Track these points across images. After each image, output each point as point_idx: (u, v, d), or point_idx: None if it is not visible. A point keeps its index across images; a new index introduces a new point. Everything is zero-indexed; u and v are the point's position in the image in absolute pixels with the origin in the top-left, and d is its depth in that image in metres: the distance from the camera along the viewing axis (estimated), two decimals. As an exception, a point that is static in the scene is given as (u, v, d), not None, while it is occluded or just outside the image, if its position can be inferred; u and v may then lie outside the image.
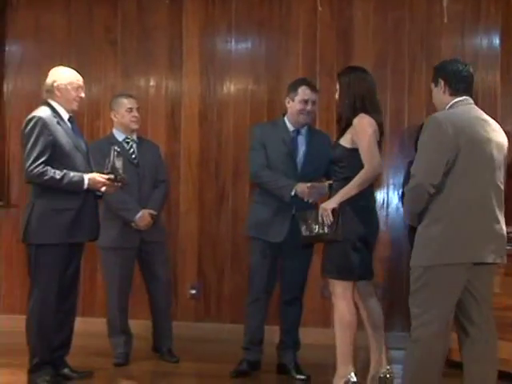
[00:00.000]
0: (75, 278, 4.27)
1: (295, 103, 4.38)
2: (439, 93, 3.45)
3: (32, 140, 4.00)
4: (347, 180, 3.88)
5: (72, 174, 4.03)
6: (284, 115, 4.51)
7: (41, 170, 3.96)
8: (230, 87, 5.70)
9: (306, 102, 4.35)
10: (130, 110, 4.71)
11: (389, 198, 5.47)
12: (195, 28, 5.76)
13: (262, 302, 4.47)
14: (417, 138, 4.96)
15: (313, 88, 4.41)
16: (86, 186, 4.06)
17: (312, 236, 3.96)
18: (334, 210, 3.83)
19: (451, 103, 3.39)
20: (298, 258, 4.39)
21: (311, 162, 4.37)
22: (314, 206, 4.06)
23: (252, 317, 4.48)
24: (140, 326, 4.94)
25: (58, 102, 4.16)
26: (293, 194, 4.25)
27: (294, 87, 4.42)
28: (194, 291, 5.55)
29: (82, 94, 4.25)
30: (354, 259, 3.88)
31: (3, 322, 5.78)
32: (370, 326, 4.07)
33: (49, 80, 4.21)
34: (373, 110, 3.93)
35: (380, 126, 3.95)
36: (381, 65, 5.48)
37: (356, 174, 3.84)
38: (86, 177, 4.07)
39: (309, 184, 4.20)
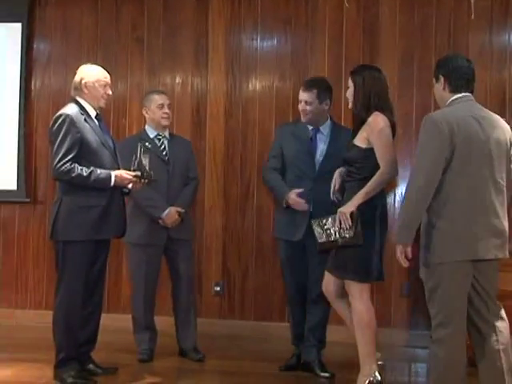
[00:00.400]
0: (101, 275, 4.29)
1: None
2: (440, 89, 3.44)
3: (60, 137, 4.02)
4: (365, 180, 3.83)
5: (99, 171, 4.05)
6: None
7: (68, 167, 3.99)
8: (256, 84, 5.70)
9: (300, 101, 4.42)
10: (161, 106, 4.71)
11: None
12: (221, 25, 5.77)
13: (296, 300, 4.52)
14: None
15: (306, 88, 4.40)
16: (112, 183, 4.07)
17: (330, 241, 3.90)
18: (352, 214, 3.78)
19: (451, 100, 3.38)
20: (316, 258, 4.35)
21: (330, 160, 4.34)
22: (332, 212, 3.95)
23: (291, 315, 4.60)
24: (166, 322, 4.94)
25: (86, 100, 4.18)
26: (285, 206, 4.33)
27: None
28: (218, 288, 5.57)
29: (110, 92, 4.27)
30: (372, 261, 3.85)
31: (30, 316, 5.86)
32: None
33: (77, 78, 4.23)
34: (386, 108, 3.90)
35: (393, 126, 3.91)
36: (407, 62, 5.44)
37: (373, 174, 3.80)
38: (113, 174, 4.08)
39: (296, 191, 4.27)
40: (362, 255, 3.83)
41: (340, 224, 3.81)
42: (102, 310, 4.36)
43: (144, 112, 4.81)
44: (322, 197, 4.15)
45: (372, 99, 3.87)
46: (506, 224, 3.33)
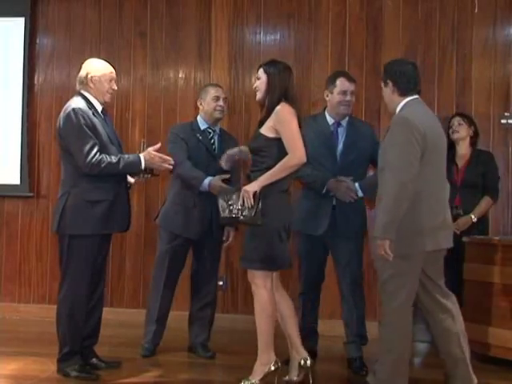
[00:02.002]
0: (103, 268, 4.30)
1: (334, 95, 4.37)
2: (389, 93, 3.62)
3: (79, 131, 3.99)
4: (268, 170, 3.86)
5: (126, 155, 4.07)
6: (325, 109, 4.49)
7: (98, 158, 3.97)
8: (259, 79, 5.68)
9: (344, 92, 4.33)
10: (217, 98, 4.68)
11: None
12: (224, 20, 5.77)
13: (310, 294, 4.56)
14: (447, 130, 4.95)
15: (350, 79, 4.39)
16: (143, 164, 4.07)
17: (231, 217, 3.92)
18: (254, 194, 3.81)
19: (404, 102, 3.56)
20: (343, 249, 4.37)
21: (351, 153, 4.36)
22: (238, 188, 3.98)
23: (303, 308, 4.57)
24: (181, 316, 4.93)
25: (92, 94, 4.17)
26: (324, 191, 4.30)
27: (332, 80, 4.41)
28: (221, 283, 5.55)
29: (115, 86, 4.26)
30: (277, 248, 3.88)
31: (34, 311, 5.88)
32: (281, 316, 4.09)
33: (82, 72, 4.22)
34: (293, 101, 3.93)
35: (299, 118, 3.93)
36: (411, 56, 5.41)
37: (277, 164, 3.85)
38: (141, 155, 4.08)
39: (339, 178, 4.26)
40: (267, 241, 3.85)
41: (243, 202, 3.84)
42: (104, 303, 4.36)
43: (198, 103, 4.77)
44: None
45: (283, 91, 3.90)
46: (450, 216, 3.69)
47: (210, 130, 4.71)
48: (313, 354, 4.48)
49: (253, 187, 3.83)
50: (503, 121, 5.19)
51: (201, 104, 4.75)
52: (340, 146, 4.39)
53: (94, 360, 4.27)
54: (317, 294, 4.60)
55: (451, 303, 3.68)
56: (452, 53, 5.40)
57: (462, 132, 4.95)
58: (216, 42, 5.79)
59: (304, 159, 3.88)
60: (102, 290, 4.31)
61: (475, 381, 3.70)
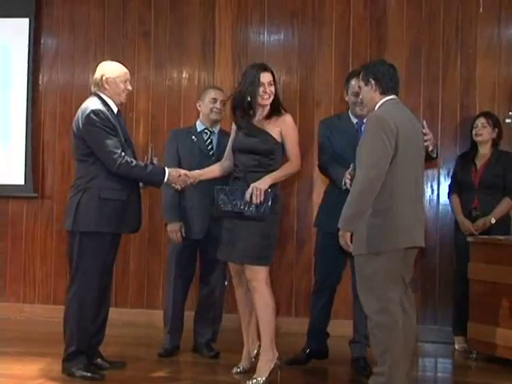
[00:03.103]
0: (111, 268, 4.31)
1: (349, 96, 4.41)
2: (370, 91, 3.67)
3: (103, 132, 4.01)
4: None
5: (153, 165, 4.12)
6: (348, 109, 4.50)
7: (126, 159, 4.02)
8: (263, 78, 5.68)
9: (356, 94, 4.24)
10: (214, 100, 4.71)
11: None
12: (228, 19, 5.77)
13: (322, 294, 4.50)
14: (470, 132, 4.96)
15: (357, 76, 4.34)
16: (166, 178, 4.10)
17: (234, 212, 4.03)
18: (265, 191, 3.98)
19: (382, 101, 3.62)
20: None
21: None
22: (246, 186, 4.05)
23: (313, 307, 4.55)
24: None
25: (107, 95, 4.19)
26: (344, 187, 4.22)
27: (347, 81, 4.45)
28: (225, 282, 5.55)
29: (130, 87, 4.29)
30: (273, 243, 4.09)
31: (38, 311, 5.89)
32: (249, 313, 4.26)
33: (97, 74, 4.23)
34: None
35: None
36: (414, 55, 5.43)
37: (278, 167, 4.10)
38: (167, 170, 4.11)
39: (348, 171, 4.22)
40: (268, 237, 4.03)
41: (250, 198, 3.97)
42: (110, 303, 4.37)
43: (198, 105, 4.81)
44: None
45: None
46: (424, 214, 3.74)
47: (208, 132, 4.74)
48: (320, 354, 4.50)
49: (264, 185, 3.98)
50: (507, 120, 5.17)
51: (200, 106, 4.79)
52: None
53: (99, 360, 4.27)
54: (329, 295, 4.51)
55: (409, 304, 3.66)
56: (456, 52, 5.39)
57: (485, 135, 4.96)
58: (220, 42, 5.79)
59: (299, 168, 4.21)
60: (109, 290, 4.33)
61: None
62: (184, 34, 5.83)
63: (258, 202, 3.96)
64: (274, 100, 4.15)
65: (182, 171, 4.20)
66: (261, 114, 4.19)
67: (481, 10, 5.30)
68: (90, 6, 5.97)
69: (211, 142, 4.72)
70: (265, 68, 4.18)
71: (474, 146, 5.01)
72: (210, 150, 4.70)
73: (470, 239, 4.72)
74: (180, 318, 4.73)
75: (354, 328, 4.42)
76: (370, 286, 3.52)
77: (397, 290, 3.53)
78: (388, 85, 3.62)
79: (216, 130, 4.78)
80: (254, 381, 3.96)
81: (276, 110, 4.18)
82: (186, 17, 5.83)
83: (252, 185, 3.99)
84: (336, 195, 4.31)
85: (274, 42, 5.72)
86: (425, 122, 3.82)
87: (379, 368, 3.50)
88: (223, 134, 4.78)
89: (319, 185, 5.48)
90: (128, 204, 4.14)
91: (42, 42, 6.05)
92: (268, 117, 4.18)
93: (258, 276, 4.01)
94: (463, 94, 5.37)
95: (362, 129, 4.29)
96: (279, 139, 4.12)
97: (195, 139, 4.68)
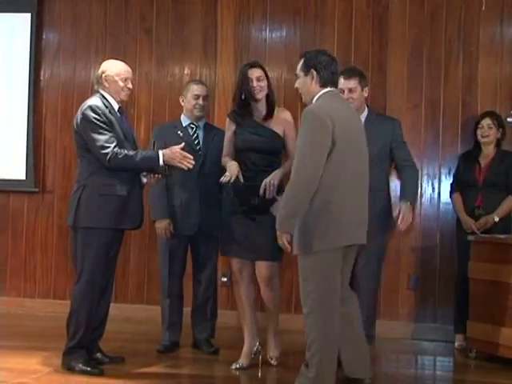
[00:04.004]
0: (114, 264, 4.33)
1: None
2: (308, 82, 3.57)
3: (96, 126, 4.04)
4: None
5: (144, 150, 4.10)
6: None
7: (115, 151, 4.01)
8: (264, 76, 5.67)
9: (342, 91, 4.29)
10: (197, 96, 4.70)
11: (422, 189, 5.39)
12: (230, 16, 5.76)
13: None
14: (474, 131, 4.95)
15: (347, 76, 4.37)
16: (161, 160, 4.06)
17: (250, 207, 4.14)
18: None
19: (321, 93, 3.52)
20: (362, 248, 4.22)
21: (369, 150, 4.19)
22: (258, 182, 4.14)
23: None
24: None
25: (108, 93, 4.21)
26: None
27: None
28: (225, 279, 5.56)
29: (130, 85, 4.29)
30: None
31: (38, 305, 5.90)
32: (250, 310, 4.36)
33: (99, 71, 4.27)
34: None
35: None
36: (416, 53, 5.42)
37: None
38: (161, 151, 4.09)
39: None
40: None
41: (264, 193, 4.07)
42: (111, 298, 4.38)
43: (181, 100, 4.81)
44: None
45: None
46: (366, 210, 3.61)
47: (193, 126, 4.75)
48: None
49: (276, 180, 4.10)
50: (509, 119, 5.17)
51: (183, 101, 4.79)
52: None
53: (99, 355, 4.28)
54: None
55: (351, 304, 3.65)
56: (458, 50, 5.38)
57: (491, 136, 4.94)
58: (222, 39, 5.78)
59: None
60: (111, 285, 4.35)
61: None
62: (186, 31, 5.83)
63: (272, 196, 4.05)
64: (269, 97, 4.23)
65: (177, 147, 4.11)
66: (259, 111, 4.26)
67: (483, 8, 5.30)
68: (92, 2, 5.98)
69: (197, 137, 4.72)
70: (253, 64, 4.33)
71: (477, 145, 5.00)
72: (197, 145, 4.69)
73: (470, 238, 4.71)
74: (176, 314, 4.73)
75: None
76: (310, 283, 3.46)
77: (335, 290, 3.47)
78: (329, 77, 3.54)
79: (201, 124, 4.79)
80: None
81: (272, 106, 4.27)
82: (187, 13, 5.83)
83: (265, 180, 4.08)
84: None
85: (275, 40, 5.72)
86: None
87: (308, 355, 3.50)
88: (209, 128, 4.82)
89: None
90: (129, 200, 4.15)
91: (44, 37, 6.05)
92: (268, 114, 4.25)
93: (276, 272, 4.21)
94: (465, 92, 5.36)
95: (366, 125, 4.25)
96: (283, 137, 4.23)
97: (181, 134, 4.65)
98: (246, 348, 4.32)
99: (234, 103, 4.34)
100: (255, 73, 4.26)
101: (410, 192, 4.40)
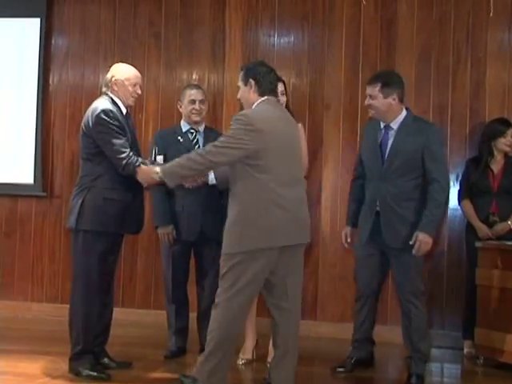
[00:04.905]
0: (115, 268, 4.33)
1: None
2: (248, 92, 3.68)
3: (113, 131, 4.03)
4: None
5: (135, 159, 4.05)
6: None
7: (133, 160, 4.01)
8: (272, 81, 5.68)
9: (367, 97, 4.27)
10: (193, 101, 4.69)
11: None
12: (238, 21, 5.77)
13: (365, 299, 4.40)
14: (483, 136, 4.93)
15: (369, 82, 4.28)
16: (136, 174, 4.03)
17: None
18: None
19: (258, 101, 3.63)
20: (397, 257, 4.18)
21: (397, 157, 4.14)
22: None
23: (356, 314, 4.47)
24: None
25: (116, 96, 4.21)
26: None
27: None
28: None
29: (139, 91, 4.29)
30: None
31: (46, 310, 5.91)
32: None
33: (108, 75, 4.27)
34: None
35: None
36: (425, 59, 5.41)
37: None
38: (139, 168, 4.03)
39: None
40: None
41: None
42: (113, 302, 4.38)
43: (178, 106, 4.81)
44: (389, 198, 4.14)
45: None
46: (305, 213, 3.65)
47: (193, 131, 4.75)
48: (365, 363, 4.43)
49: None
50: (518, 125, 5.16)
51: (180, 107, 4.79)
52: (387, 151, 4.20)
53: (106, 360, 4.28)
54: (371, 302, 4.42)
55: (289, 304, 3.63)
56: (466, 56, 5.37)
57: None
58: (230, 44, 5.79)
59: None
60: (113, 289, 4.35)
61: None
62: (194, 36, 5.85)
63: None
64: (288, 110, 4.21)
65: (154, 170, 3.90)
66: None
67: (491, 13, 5.28)
68: (101, 7, 6.00)
69: (197, 142, 4.72)
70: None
71: (490, 151, 4.96)
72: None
73: (478, 244, 4.70)
74: (182, 319, 4.73)
75: (406, 342, 4.26)
76: (229, 280, 3.49)
77: (248, 295, 3.51)
78: (268, 87, 3.65)
79: (201, 128, 4.78)
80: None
81: None
82: (196, 18, 5.84)
83: None
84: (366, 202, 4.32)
85: (284, 45, 5.72)
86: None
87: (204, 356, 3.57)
88: (208, 132, 4.81)
89: (328, 189, 5.47)
90: (132, 204, 4.15)
91: (53, 42, 6.08)
92: None
93: None
94: (473, 97, 5.35)
95: (389, 134, 4.22)
96: None
97: (181, 140, 4.66)
98: (249, 342, 4.50)
99: None
100: (279, 87, 4.29)
101: (428, 220, 4.03)
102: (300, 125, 4.36)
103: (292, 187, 3.57)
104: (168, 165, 3.74)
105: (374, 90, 4.19)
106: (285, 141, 3.57)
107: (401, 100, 4.21)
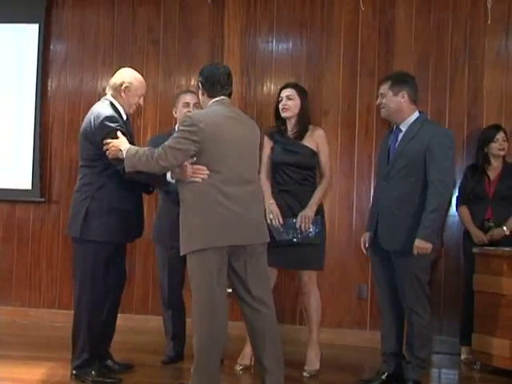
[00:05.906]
0: (123, 274, 4.39)
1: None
2: (201, 96, 3.81)
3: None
4: (314, 186, 4.49)
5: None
6: None
7: None
8: (271, 87, 5.70)
9: (378, 95, 4.27)
10: (187, 105, 4.70)
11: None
12: (237, 28, 5.79)
13: (385, 311, 4.27)
14: (478, 143, 4.95)
15: (382, 81, 4.29)
16: (168, 177, 4.00)
17: (289, 240, 4.38)
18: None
19: (210, 103, 3.71)
20: (395, 260, 4.09)
21: (401, 159, 4.07)
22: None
23: (381, 327, 4.35)
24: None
25: (120, 103, 4.19)
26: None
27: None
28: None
29: (142, 102, 4.30)
30: (324, 249, 4.57)
31: (44, 315, 5.90)
32: None
33: (118, 79, 4.21)
34: None
35: None
36: (422, 66, 5.43)
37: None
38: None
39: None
40: (321, 248, 4.49)
41: (300, 226, 4.36)
42: (119, 306, 4.39)
43: (173, 112, 4.82)
44: (389, 200, 4.10)
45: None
46: (256, 213, 3.66)
47: None
48: (397, 379, 4.20)
49: (311, 212, 4.40)
50: (515, 131, 5.18)
51: (175, 112, 4.80)
52: (392, 152, 4.16)
53: (109, 362, 4.30)
54: (396, 313, 4.22)
55: (263, 305, 3.68)
56: (464, 63, 5.39)
57: (506, 149, 4.98)
58: (228, 50, 5.80)
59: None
60: (119, 294, 4.36)
61: None
62: (193, 42, 5.86)
63: (307, 229, 4.35)
64: (302, 115, 4.48)
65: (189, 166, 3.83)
66: (292, 128, 4.52)
67: (489, 21, 5.31)
68: (100, 13, 6.01)
69: None
70: (287, 85, 4.66)
71: (485, 158, 4.99)
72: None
73: (475, 250, 4.71)
74: (179, 325, 4.73)
75: (406, 347, 4.18)
76: (193, 282, 3.58)
77: (217, 292, 3.56)
78: (214, 88, 3.70)
79: None
80: (312, 370, 4.43)
81: (303, 124, 4.51)
82: (194, 25, 5.85)
83: (300, 214, 4.37)
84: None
85: (282, 51, 5.74)
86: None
87: (193, 368, 3.60)
88: None
89: (331, 195, 5.47)
90: (134, 213, 4.18)
91: (52, 48, 6.08)
92: (298, 132, 4.49)
93: (315, 280, 4.51)
94: (471, 104, 5.37)
95: (399, 136, 4.16)
96: (316, 152, 4.49)
97: None
98: (247, 349, 4.53)
99: (276, 120, 4.64)
100: (286, 92, 4.57)
101: (423, 225, 3.92)
102: (322, 131, 4.61)
103: (241, 186, 3.59)
104: (133, 150, 3.74)
105: (385, 87, 4.20)
106: (234, 140, 3.60)
107: (413, 101, 4.16)
